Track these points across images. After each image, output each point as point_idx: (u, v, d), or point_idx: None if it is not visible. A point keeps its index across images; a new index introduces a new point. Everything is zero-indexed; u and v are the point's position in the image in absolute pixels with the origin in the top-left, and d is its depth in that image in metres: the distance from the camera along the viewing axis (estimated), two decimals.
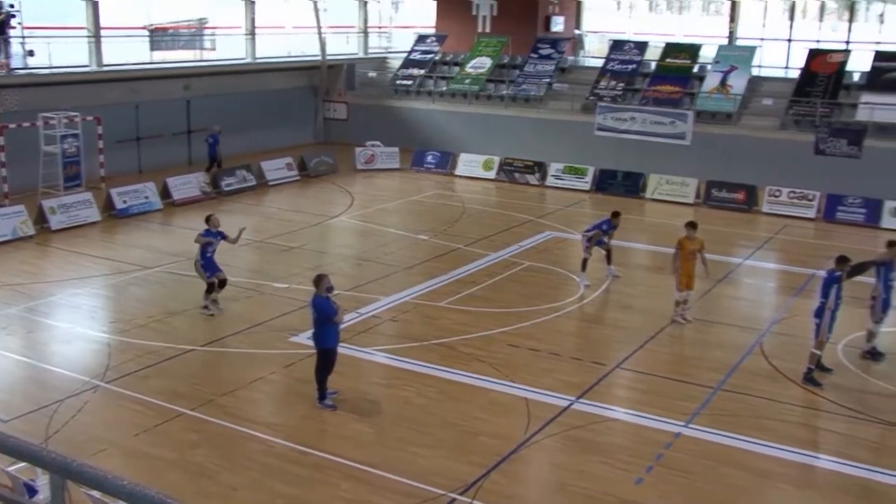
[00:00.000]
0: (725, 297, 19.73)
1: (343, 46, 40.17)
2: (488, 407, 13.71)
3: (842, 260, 14.88)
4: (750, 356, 16.08)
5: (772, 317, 18.42)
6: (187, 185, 27.15)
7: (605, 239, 19.65)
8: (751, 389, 14.61)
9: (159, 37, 33.89)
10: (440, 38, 39.64)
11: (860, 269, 15.57)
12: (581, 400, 13.92)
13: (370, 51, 41.85)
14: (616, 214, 19.71)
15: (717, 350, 16.39)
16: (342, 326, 13.94)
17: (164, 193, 26.35)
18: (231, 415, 13.10)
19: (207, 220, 17.52)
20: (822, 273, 15.34)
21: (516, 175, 31.81)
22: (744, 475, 11.94)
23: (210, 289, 17.24)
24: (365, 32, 41.24)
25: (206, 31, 35.79)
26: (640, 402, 14.18)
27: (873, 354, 15.89)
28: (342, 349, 13.93)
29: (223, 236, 17.31)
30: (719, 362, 15.68)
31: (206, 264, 17.14)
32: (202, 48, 35.37)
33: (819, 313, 14.82)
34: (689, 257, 17.34)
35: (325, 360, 13.36)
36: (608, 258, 19.86)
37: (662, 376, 15.06)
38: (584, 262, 19.51)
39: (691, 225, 17.64)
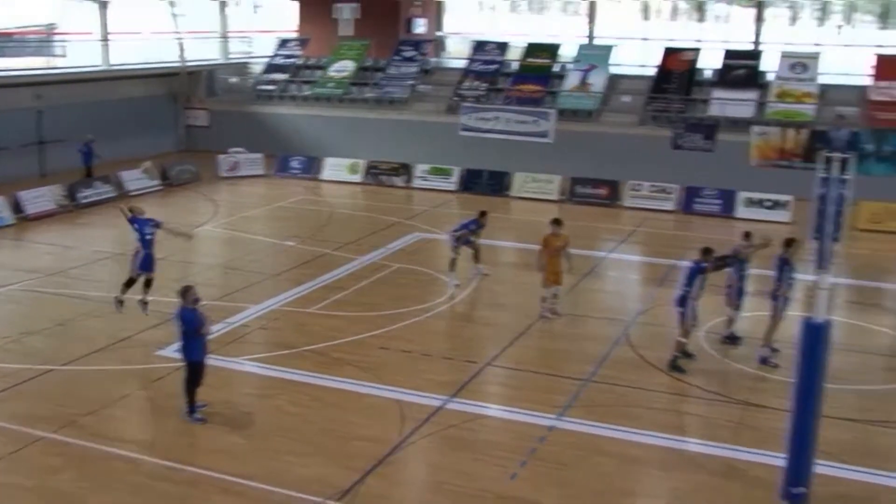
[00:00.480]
0: (592, 290, 20.18)
1: (202, 52, 39.28)
2: (362, 411, 13.63)
3: (706, 251, 15.42)
4: (617, 347, 16.47)
5: (637, 308, 18.92)
6: (41, 198, 26.07)
7: (473, 238, 19.80)
8: (619, 379, 14.97)
9: (3, 43, 32.46)
10: (302, 42, 39.33)
11: (724, 261, 16.16)
12: (454, 399, 13.99)
13: (231, 56, 41.10)
14: (483, 214, 19.91)
15: (586, 342, 16.73)
16: (210, 337, 13.63)
17: (16, 208, 25.24)
18: (96, 435, 12.63)
19: (132, 210, 17.09)
20: (686, 263, 15.83)
21: (382, 178, 31.80)
22: (614, 462, 12.23)
23: (129, 283, 16.79)
24: (224, 37, 40.50)
25: (56, 37, 34.45)
26: (512, 397, 14.35)
27: (732, 339, 16.51)
28: (211, 361, 13.62)
29: (156, 224, 16.84)
30: (588, 354, 16.01)
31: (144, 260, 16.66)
32: (52, 55, 34.01)
33: (682, 302, 15.32)
34: (554, 254, 17.64)
35: (194, 372, 13.03)
36: (476, 257, 20.04)
37: (534, 371, 15.29)
38: (453, 261, 19.63)
39: (556, 222, 17.93)
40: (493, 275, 20.38)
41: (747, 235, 16.50)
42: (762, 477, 11.70)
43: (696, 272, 15.28)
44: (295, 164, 33.03)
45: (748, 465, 12.20)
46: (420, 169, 31.53)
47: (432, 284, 19.91)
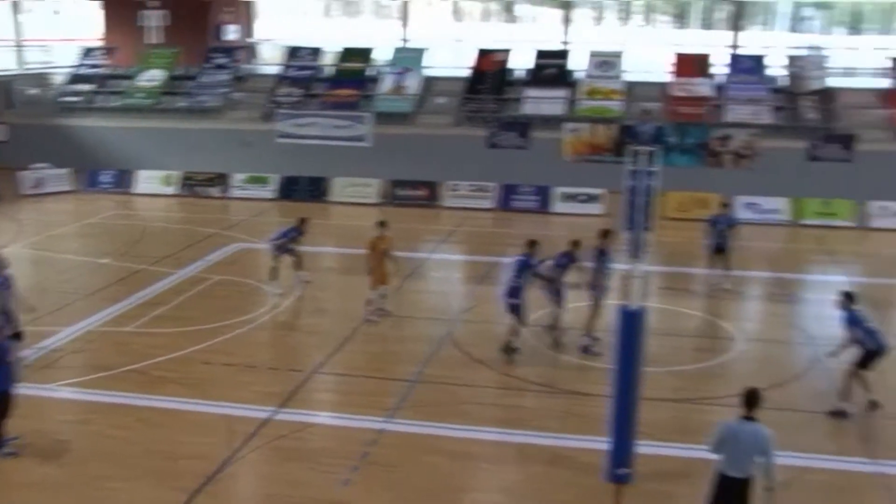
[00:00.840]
0: (415, 291, 20.28)
1: None
2: (189, 429, 13.21)
3: (532, 244, 15.90)
4: (443, 346, 16.61)
5: (460, 306, 19.14)
6: None
7: (293, 246, 19.54)
8: (447, 378, 15.11)
9: None
10: (108, 51, 37.81)
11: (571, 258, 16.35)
12: (282, 409, 13.75)
13: (28, 66, 39.03)
14: (303, 220, 19.66)
15: (412, 343, 16.80)
16: (22, 364, 12.88)
17: None
18: None
19: None
20: (517, 258, 16.11)
21: (198, 189, 30.99)
22: (446, 460, 12.31)
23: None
24: (19, 46, 38.42)
25: None
26: (341, 403, 14.26)
27: (552, 329, 16.86)
28: (21, 390, 12.83)
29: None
30: (415, 355, 16.07)
31: None
32: None
33: (515, 294, 15.70)
34: (380, 256, 17.69)
35: (1, 404, 12.27)
36: (297, 265, 19.76)
37: (361, 375, 15.22)
38: (274, 270, 19.31)
39: (381, 224, 17.99)
40: (316, 281, 20.14)
41: (606, 234, 16.45)
42: (589, 462, 12.03)
43: (524, 266, 15.69)
44: (105, 178, 31.73)
45: (576, 452, 12.53)
46: (237, 178, 30.92)
47: (254, 295, 19.52)
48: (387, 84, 33.51)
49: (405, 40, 38.33)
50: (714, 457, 9.83)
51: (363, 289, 18.00)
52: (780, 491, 9.59)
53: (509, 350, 15.88)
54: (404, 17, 39.56)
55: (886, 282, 21.43)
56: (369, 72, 34.57)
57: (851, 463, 12.43)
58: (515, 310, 15.81)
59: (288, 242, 19.37)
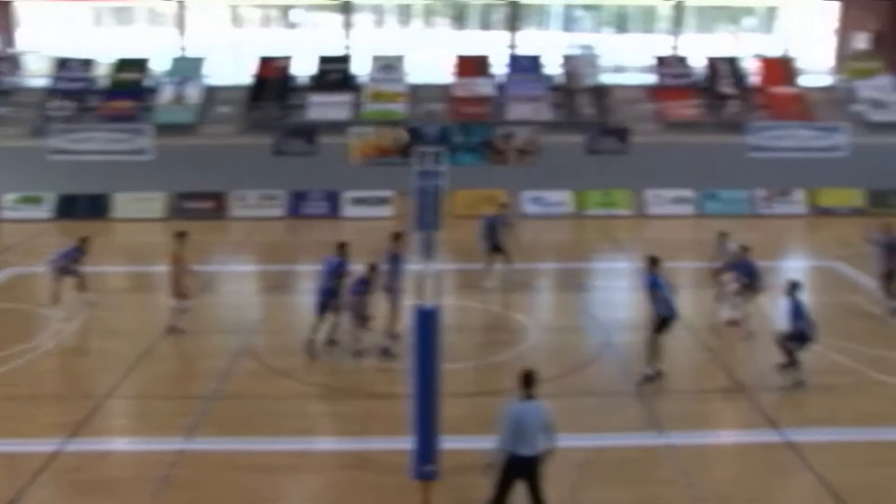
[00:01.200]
0: (209, 305, 19.74)
1: None
2: None
3: (342, 246, 16.34)
4: (240, 359, 16.27)
5: (255, 317, 18.80)
6: None
7: (75, 267, 18.60)
8: (246, 392, 14.84)
9: None
10: None
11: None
12: (73, 440, 13.07)
13: None
14: (84, 240, 18.74)
15: (208, 360, 16.34)
16: None
17: None
18: None
19: None
20: (328, 261, 16.26)
21: None
22: (250, 474, 12.09)
23: None
24: None
25: None
26: (137, 428, 13.76)
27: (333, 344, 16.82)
28: None
29: None
30: (212, 371, 15.67)
31: None
32: None
33: (327, 294, 15.97)
34: (183, 267, 17.43)
35: None
36: (81, 286, 18.83)
37: (157, 396, 14.70)
38: (55, 294, 18.34)
39: (181, 235, 17.70)
40: (104, 302, 19.22)
41: (397, 237, 16.75)
42: (395, 462, 12.10)
43: (339, 267, 16.08)
44: None
45: (380, 454, 12.61)
46: (7, 199, 29.12)
47: (35, 321, 18.42)
48: (166, 94, 32.45)
49: (183, 49, 37.28)
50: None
51: (153, 307, 17.44)
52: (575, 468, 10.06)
53: (312, 348, 15.90)
54: (181, 25, 38.46)
55: (667, 266, 22.59)
56: (147, 82, 33.39)
57: (643, 438, 13.12)
58: (324, 309, 16.00)
59: (69, 264, 18.47)
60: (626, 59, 39.59)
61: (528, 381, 10.22)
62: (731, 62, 32.90)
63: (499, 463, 10.28)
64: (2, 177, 29.66)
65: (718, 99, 31.42)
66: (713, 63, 32.74)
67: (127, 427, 13.92)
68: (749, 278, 17.15)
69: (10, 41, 40.63)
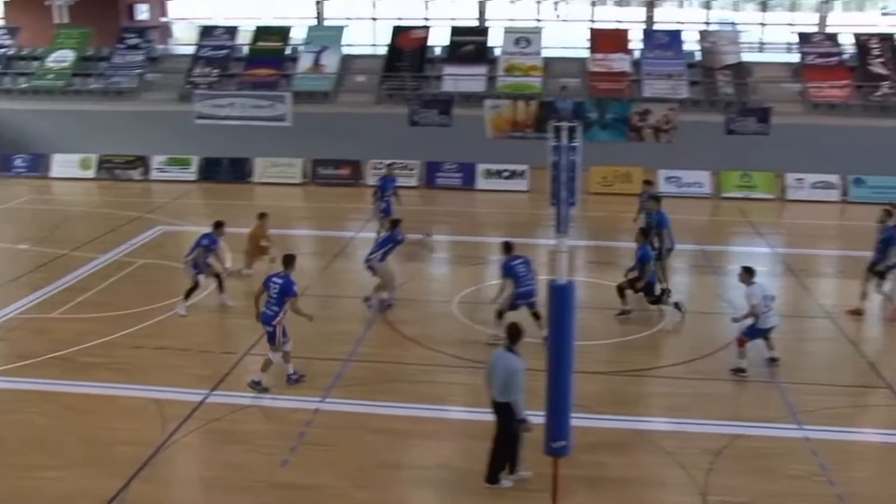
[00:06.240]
0: (344, 270, 20.24)
1: None
2: (120, 415, 13.05)
3: (394, 223, 17.87)
4: (374, 324, 16.63)
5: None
6: None
7: (212, 260, 17.58)
8: (379, 356, 15.19)
9: None
10: (12, 31, 36.64)
11: None
12: (216, 392, 13.65)
13: None
14: (218, 225, 17.92)
15: (344, 323, 16.76)
16: None
17: None
18: None
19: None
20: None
21: (117, 172, 30.40)
22: (381, 438, 12.39)
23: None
24: None
25: None
26: (275, 385, 14.19)
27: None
28: None
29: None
30: (347, 334, 16.07)
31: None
32: None
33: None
34: (256, 242, 19.02)
35: None
36: (220, 286, 17.91)
37: (295, 356, 15.13)
38: (191, 290, 17.49)
39: (262, 216, 19.25)
40: (240, 262, 19.77)
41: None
42: (525, 436, 12.20)
43: (391, 241, 17.47)
44: (19, 162, 30.92)
45: None
46: (157, 160, 30.38)
47: (181, 278, 19.15)
48: (305, 62, 33.18)
49: (320, 17, 37.92)
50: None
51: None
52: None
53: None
54: None
55: (806, 252, 22.02)
56: (287, 51, 34.19)
57: (779, 429, 12.86)
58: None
59: (205, 257, 17.42)
60: (770, 37, 38.38)
61: (509, 333, 10.97)
62: (885, 40, 31.46)
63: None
64: (153, 139, 30.95)
65: (869, 79, 30.18)
66: (863, 41, 31.42)
67: (266, 383, 14.41)
68: None
69: (162, 11, 42.16)
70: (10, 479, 11.27)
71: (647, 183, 21.21)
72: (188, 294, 17.32)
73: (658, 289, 17.07)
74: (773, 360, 14.73)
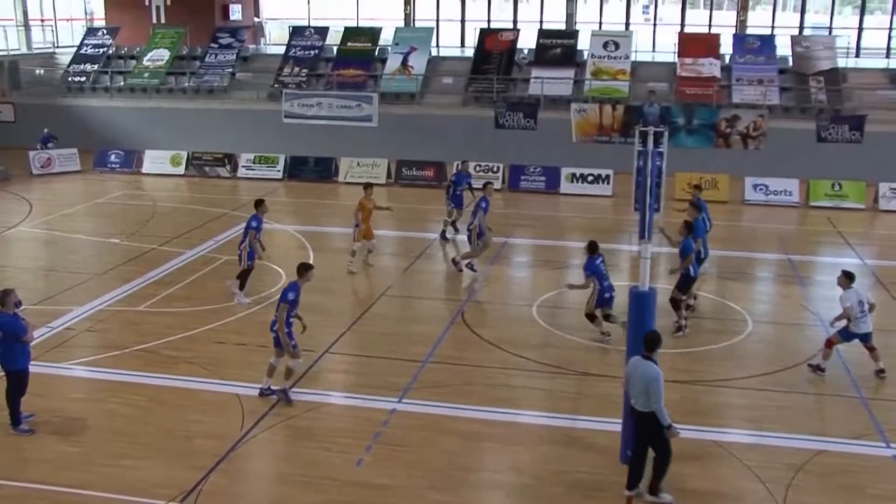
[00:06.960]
0: (424, 272, 20.33)
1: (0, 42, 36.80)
2: (201, 408, 13.30)
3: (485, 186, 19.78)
4: (453, 326, 16.67)
5: (470, 286, 19.17)
6: None
7: (256, 247, 17.67)
8: (457, 358, 15.17)
9: None
10: (112, 31, 37.74)
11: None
12: (295, 388, 13.82)
13: (35, 46, 38.92)
14: (259, 203, 18.25)
15: (422, 324, 16.85)
16: (33, 343, 12.97)
17: None
18: None
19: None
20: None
21: (206, 168, 31.03)
22: (457, 440, 12.39)
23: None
24: (26, 26, 38.31)
25: None
26: (353, 383, 14.33)
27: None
28: (35, 368, 12.96)
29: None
30: (425, 336, 16.13)
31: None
32: None
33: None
34: (367, 214, 19.61)
35: (16, 382, 12.36)
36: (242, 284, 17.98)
37: (372, 356, 15.29)
38: (245, 277, 17.91)
39: (368, 186, 20.29)
40: (321, 261, 19.92)
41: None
42: (602, 443, 12.12)
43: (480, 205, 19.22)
44: (113, 158, 31.78)
45: (588, 434, 12.60)
46: (245, 158, 30.94)
47: (264, 275, 19.49)
48: (393, 64, 33.45)
49: (410, 19, 38.16)
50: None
51: (374, 269, 18.06)
52: None
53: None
54: None
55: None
56: (375, 51, 34.50)
57: (865, 446, 12.49)
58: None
59: (249, 244, 17.66)
60: (867, 42, 37.35)
61: (646, 340, 10.57)
62: None
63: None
64: (242, 137, 31.55)
65: None
66: None
67: (343, 382, 14.57)
68: None
69: (255, 11, 42.90)
70: (95, 466, 11.57)
71: (696, 188, 20.86)
72: (243, 282, 17.79)
73: (692, 292, 16.78)
74: (880, 372, 14.46)
